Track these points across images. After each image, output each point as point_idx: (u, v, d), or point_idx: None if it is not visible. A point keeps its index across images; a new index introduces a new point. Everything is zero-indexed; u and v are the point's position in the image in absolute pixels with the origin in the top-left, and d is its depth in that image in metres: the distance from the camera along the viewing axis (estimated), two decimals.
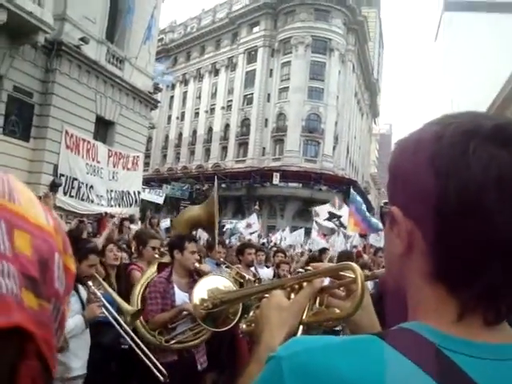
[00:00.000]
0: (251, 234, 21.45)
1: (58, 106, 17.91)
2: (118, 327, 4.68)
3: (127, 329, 4.70)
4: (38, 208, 0.65)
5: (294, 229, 28.41)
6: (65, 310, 0.68)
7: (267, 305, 1.27)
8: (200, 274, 4.75)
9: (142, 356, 4.38)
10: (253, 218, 24.63)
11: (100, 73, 19.77)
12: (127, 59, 21.30)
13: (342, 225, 16.96)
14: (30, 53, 17.08)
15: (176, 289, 4.82)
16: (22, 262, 0.58)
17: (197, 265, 5.02)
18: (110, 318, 4.64)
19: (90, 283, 4.43)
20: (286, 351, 0.75)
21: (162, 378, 4.19)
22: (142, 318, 4.66)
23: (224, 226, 29.86)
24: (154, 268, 5.14)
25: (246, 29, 62.92)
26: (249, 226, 23.87)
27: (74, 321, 4.22)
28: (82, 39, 18.26)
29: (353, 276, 1.20)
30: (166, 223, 20.19)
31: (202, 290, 1.87)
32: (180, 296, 4.79)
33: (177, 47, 71.39)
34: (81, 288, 4.52)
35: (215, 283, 1.99)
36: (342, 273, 1.30)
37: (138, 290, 4.97)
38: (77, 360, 4.29)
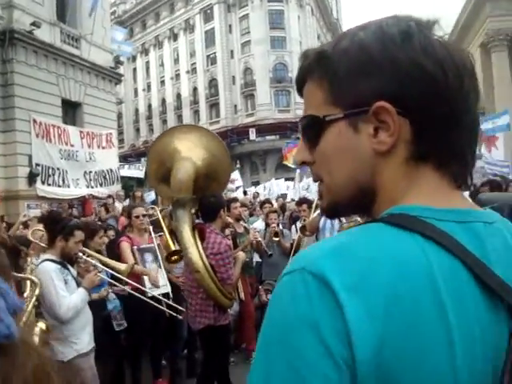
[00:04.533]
0: (237, 188, 21.48)
1: (22, 95, 17.55)
2: (119, 286, 5.04)
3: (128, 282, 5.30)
4: None
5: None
6: None
7: None
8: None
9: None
10: (235, 175, 24.66)
11: (58, 55, 19.32)
12: (82, 37, 20.81)
13: None
14: None
15: None
16: None
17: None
18: (109, 279, 4.88)
19: (80, 254, 4.49)
20: (303, 262, 0.74)
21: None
22: (218, 282, 4.60)
23: None
24: (187, 229, 4.69)
25: None
26: (232, 181, 23.95)
27: (78, 295, 4.32)
28: (33, 24, 17.74)
29: None
30: (150, 196, 20.14)
31: None
32: None
33: (131, 17, 69.81)
34: (71, 267, 4.57)
35: None
36: None
37: (200, 263, 4.58)
38: (83, 336, 4.37)
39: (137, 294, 5.40)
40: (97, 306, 4.79)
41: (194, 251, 4.47)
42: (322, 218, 6.94)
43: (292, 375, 0.69)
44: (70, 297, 4.23)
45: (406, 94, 0.79)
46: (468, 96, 0.83)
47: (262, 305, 7.23)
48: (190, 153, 4.41)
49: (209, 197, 4.73)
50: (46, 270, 4.25)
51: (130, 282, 5.35)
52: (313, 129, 0.88)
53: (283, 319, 0.72)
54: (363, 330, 0.67)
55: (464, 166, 0.86)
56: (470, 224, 0.80)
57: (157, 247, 6.16)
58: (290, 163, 16.26)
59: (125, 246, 5.91)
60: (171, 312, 5.62)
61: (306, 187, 14.50)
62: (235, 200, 8.39)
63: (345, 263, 0.71)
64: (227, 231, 6.75)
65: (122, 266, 5.18)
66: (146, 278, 5.70)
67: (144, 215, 6.32)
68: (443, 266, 0.72)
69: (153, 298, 5.52)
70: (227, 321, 4.90)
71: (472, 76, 0.85)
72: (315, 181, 0.95)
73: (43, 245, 4.91)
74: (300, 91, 0.94)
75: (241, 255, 5.31)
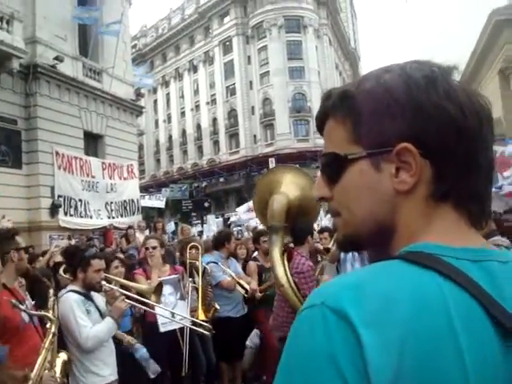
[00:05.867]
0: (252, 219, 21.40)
1: (44, 128, 17.85)
2: (147, 309, 5.02)
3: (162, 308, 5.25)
4: None
5: None
6: None
7: None
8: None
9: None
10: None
11: (80, 88, 19.68)
12: (104, 70, 21.20)
13: None
14: (8, 80, 17.00)
15: None
16: None
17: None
18: (138, 305, 4.86)
19: (103, 282, 4.51)
20: (322, 297, 0.75)
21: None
22: (302, 298, 4.97)
23: (229, 218, 29.89)
24: (277, 251, 5.05)
25: (217, 20, 62.63)
26: (250, 210, 23.74)
27: (105, 324, 4.33)
28: (56, 58, 18.13)
29: None
30: (171, 227, 20.24)
31: None
32: None
33: (151, 50, 71.12)
34: (95, 296, 4.60)
35: None
36: None
37: (285, 278, 5.06)
38: (106, 367, 4.39)
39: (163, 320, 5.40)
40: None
41: (280, 269, 4.93)
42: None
43: None
44: (91, 327, 4.24)
45: (429, 136, 0.83)
46: (486, 138, 0.87)
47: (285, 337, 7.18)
48: (286, 188, 5.00)
49: (299, 224, 5.20)
50: (67, 299, 4.31)
51: (151, 308, 5.30)
52: (334, 166, 0.91)
53: (302, 352, 0.72)
54: (380, 364, 0.68)
55: (481, 206, 0.88)
56: (485, 263, 0.81)
57: (181, 278, 6.07)
58: None
59: (138, 278, 5.90)
60: (198, 329, 5.59)
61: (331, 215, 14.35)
62: (266, 233, 8.37)
63: (364, 299, 0.72)
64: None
65: (143, 287, 5.17)
66: (158, 310, 5.53)
67: (154, 247, 6.13)
68: (459, 304, 0.73)
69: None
70: None
71: (490, 119, 0.88)
72: (333, 215, 0.98)
73: (68, 277, 4.98)
74: (321, 129, 0.97)
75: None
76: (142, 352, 5.30)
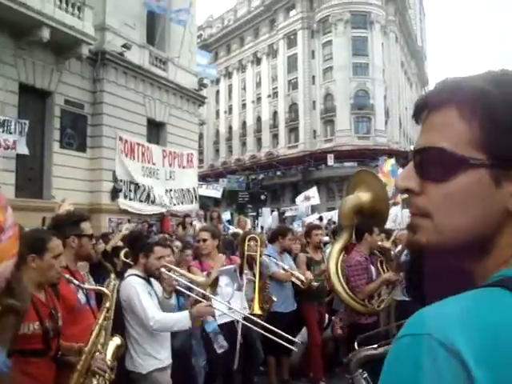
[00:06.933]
0: (311, 210, 21.35)
1: (110, 113, 18.33)
2: (203, 301, 5.00)
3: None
4: None
5: None
6: None
7: None
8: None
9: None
10: (312, 192, 24.25)
11: (145, 76, 20.09)
12: (170, 60, 21.53)
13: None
14: (76, 65, 17.50)
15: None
16: None
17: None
18: (194, 296, 4.87)
19: (163, 270, 4.59)
20: (428, 328, 0.69)
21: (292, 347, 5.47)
22: (349, 291, 5.01)
23: (284, 212, 29.87)
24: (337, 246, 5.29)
25: (283, 14, 62.45)
26: (307, 198, 23.66)
27: (180, 316, 4.43)
28: (124, 46, 18.57)
29: None
30: (226, 216, 20.41)
31: None
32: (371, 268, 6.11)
33: (216, 41, 71.61)
34: (153, 282, 4.69)
35: None
36: None
37: (333, 269, 5.18)
38: (163, 351, 4.51)
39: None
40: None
41: (332, 262, 5.07)
42: (403, 256, 7.02)
43: None
44: (155, 309, 4.35)
45: None
46: None
47: (336, 338, 7.19)
48: (359, 190, 5.13)
49: (360, 222, 5.24)
50: (130, 282, 4.46)
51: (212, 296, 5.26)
52: (444, 164, 0.82)
53: None
54: None
55: None
56: None
57: (237, 269, 6.03)
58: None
59: (194, 269, 5.85)
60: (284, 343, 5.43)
61: (394, 218, 13.86)
62: (317, 227, 8.34)
63: (473, 332, 0.67)
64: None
65: (200, 279, 5.16)
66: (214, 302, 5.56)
67: (204, 240, 6.05)
68: None
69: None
70: (368, 321, 5.76)
71: None
72: (418, 214, 0.88)
73: (130, 262, 5.07)
74: (420, 114, 0.90)
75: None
76: (213, 326, 5.35)
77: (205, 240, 6.07)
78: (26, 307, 2.72)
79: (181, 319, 4.36)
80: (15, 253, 0.84)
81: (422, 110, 0.89)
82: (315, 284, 7.13)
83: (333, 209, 42.21)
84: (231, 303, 5.49)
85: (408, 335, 0.70)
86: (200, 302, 4.67)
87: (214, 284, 5.10)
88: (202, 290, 4.88)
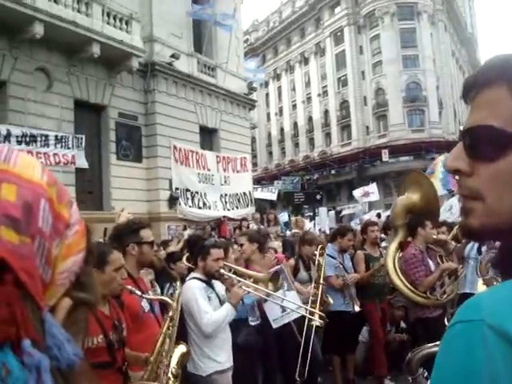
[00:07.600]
0: (367, 204, 21.22)
1: (163, 123, 18.62)
2: (263, 297, 5.00)
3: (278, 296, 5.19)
4: (36, 169, 0.79)
5: None
6: (51, 247, 0.77)
7: None
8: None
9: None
10: (372, 187, 24.15)
11: (195, 84, 20.34)
12: (218, 66, 21.74)
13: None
14: (128, 78, 17.88)
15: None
16: (5, 205, 0.71)
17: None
18: (254, 292, 4.89)
19: (221, 270, 4.64)
20: (481, 313, 0.67)
21: None
22: (409, 285, 4.99)
23: (340, 211, 29.66)
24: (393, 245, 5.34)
25: (328, 11, 62.16)
26: (366, 194, 23.53)
27: (223, 310, 4.47)
28: (172, 56, 18.85)
29: None
30: (284, 217, 20.41)
31: None
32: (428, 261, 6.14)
33: (263, 44, 71.90)
34: (216, 283, 4.75)
35: None
36: None
37: (391, 265, 5.27)
38: (223, 354, 4.55)
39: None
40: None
41: (390, 258, 5.07)
42: (468, 246, 7.21)
43: None
44: (212, 312, 4.41)
45: None
46: None
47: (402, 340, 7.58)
48: (411, 190, 5.20)
49: (411, 218, 5.40)
50: (190, 286, 4.55)
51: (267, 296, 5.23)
52: (493, 142, 0.79)
53: (459, 371, 0.66)
54: None
55: None
56: None
57: (283, 269, 5.85)
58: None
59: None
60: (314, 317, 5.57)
61: (449, 208, 13.53)
62: (373, 223, 8.23)
63: None
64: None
65: (260, 275, 5.15)
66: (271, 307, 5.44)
67: (241, 245, 6.06)
68: None
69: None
70: (433, 314, 5.77)
71: None
72: (470, 197, 0.84)
73: (186, 265, 5.15)
74: (468, 92, 0.87)
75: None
76: (251, 300, 5.28)
77: (241, 245, 6.13)
78: (97, 300, 2.79)
79: (227, 311, 4.44)
80: (83, 248, 0.83)
81: (471, 90, 0.86)
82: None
83: (390, 205, 41.67)
84: (284, 303, 5.43)
85: (460, 322, 0.69)
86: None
87: (275, 280, 5.08)
88: (264, 289, 4.90)
